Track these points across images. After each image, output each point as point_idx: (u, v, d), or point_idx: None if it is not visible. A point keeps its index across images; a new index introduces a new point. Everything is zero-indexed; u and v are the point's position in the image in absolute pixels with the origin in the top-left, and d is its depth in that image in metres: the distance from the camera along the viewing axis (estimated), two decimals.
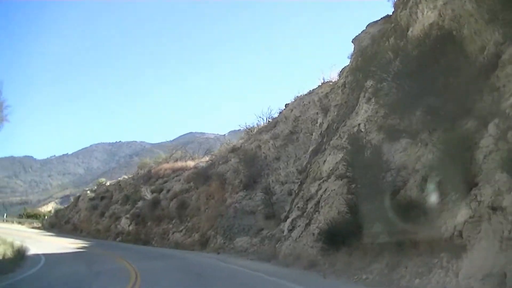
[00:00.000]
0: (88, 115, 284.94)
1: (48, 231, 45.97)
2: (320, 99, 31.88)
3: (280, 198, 29.06)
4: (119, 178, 51.15)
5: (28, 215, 58.28)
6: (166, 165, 45.23)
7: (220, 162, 38.88)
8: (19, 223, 53.68)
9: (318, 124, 29.11)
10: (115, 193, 47.72)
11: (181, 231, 34.04)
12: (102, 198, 48.67)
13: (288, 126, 33.80)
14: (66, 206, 54.81)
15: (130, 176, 49.15)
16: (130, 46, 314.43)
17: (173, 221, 35.71)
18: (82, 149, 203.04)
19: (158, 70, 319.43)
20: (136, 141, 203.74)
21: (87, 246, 29.56)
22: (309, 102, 33.89)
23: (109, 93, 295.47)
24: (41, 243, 29.06)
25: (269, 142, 33.91)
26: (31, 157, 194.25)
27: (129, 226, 39.53)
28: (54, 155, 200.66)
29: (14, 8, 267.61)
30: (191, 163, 43.01)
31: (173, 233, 34.67)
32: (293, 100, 36.13)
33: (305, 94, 35.30)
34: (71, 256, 22.54)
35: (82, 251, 26.30)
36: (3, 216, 57.48)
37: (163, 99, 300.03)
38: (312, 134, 30.20)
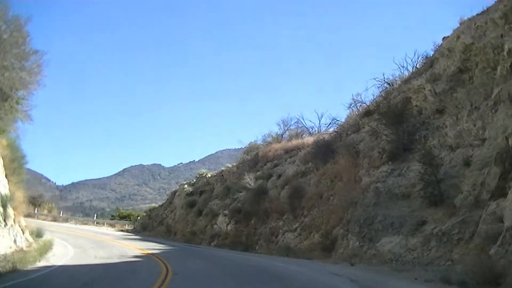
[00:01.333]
0: (214, 122, 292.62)
1: (137, 234, 40.37)
2: (505, 14, 20.33)
3: (449, 172, 18.57)
4: (222, 168, 43.73)
5: (121, 216, 54.22)
6: (276, 145, 36.59)
7: (349, 132, 29.00)
8: (110, 225, 49.56)
9: (505, 52, 17.99)
10: (216, 186, 40.34)
11: (294, 230, 24.93)
12: (201, 192, 41.65)
13: (454, 62, 22.57)
14: (161, 204, 49.18)
15: (234, 164, 41.39)
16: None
17: (284, 216, 26.74)
18: (209, 155, 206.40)
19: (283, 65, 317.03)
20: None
21: (159, 253, 21.93)
22: (486, 23, 22.31)
23: (232, 100, 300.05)
24: (103, 249, 22.27)
25: (424, 89, 23.14)
26: (160, 165, 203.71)
27: (227, 225, 31.51)
28: (182, 162, 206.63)
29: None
30: (309, 140, 33.75)
31: (283, 233, 25.71)
32: (459, 26, 24.80)
33: (478, 14, 23.80)
34: (95, 271, 14.53)
35: (136, 261, 18.53)
36: (94, 218, 54.02)
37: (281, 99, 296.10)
38: (496, 69, 19.04)
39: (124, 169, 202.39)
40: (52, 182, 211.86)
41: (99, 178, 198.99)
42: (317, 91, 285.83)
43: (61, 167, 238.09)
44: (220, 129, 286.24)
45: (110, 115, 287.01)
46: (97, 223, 50.67)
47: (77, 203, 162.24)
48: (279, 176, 31.35)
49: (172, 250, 25.50)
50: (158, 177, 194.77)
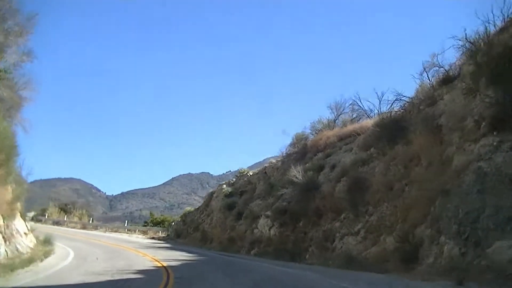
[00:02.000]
0: (263, 131, 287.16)
1: (168, 242, 35.25)
2: None
3: None
4: (265, 165, 37.88)
5: (155, 222, 49.26)
6: (328, 133, 30.37)
7: (421, 107, 22.52)
8: (142, 232, 44.79)
9: None
10: (258, 185, 34.53)
11: (357, 232, 18.73)
12: (242, 193, 35.96)
13: None
14: (197, 207, 43.77)
15: (278, 159, 35.44)
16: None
17: (342, 215, 20.59)
18: (257, 163, 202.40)
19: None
20: None
21: (177, 266, 16.44)
22: None
23: (281, 96, 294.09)
24: (109, 261, 17.47)
25: None
26: (208, 173, 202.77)
27: (269, 229, 25.67)
28: (230, 170, 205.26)
29: None
30: (367, 123, 27.41)
31: (342, 237, 19.54)
32: None
33: None
34: None
35: (135, 279, 13.01)
36: (126, 224, 49.39)
37: None
38: None
39: (173, 178, 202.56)
40: (102, 192, 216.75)
41: (148, 188, 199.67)
42: (375, 65, 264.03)
43: (111, 178, 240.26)
44: (267, 136, 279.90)
45: (157, 125, 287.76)
46: (128, 230, 46.01)
47: (127, 212, 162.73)
48: (333, 167, 25.14)
49: (198, 261, 19.96)
50: (207, 185, 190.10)
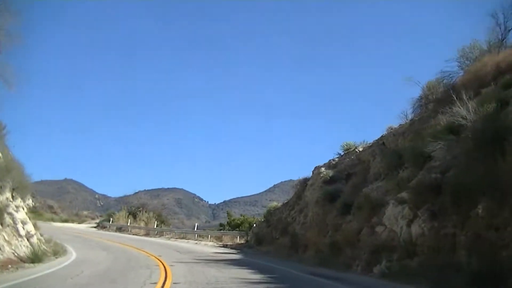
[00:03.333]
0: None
1: (243, 251, 24.46)
2: None
3: None
4: (383, 133, 25.39)
5: (233, 225, 38.30)
6: (494, 58, 17.52)
7: None
8: (217, 238, 34.38)
9: None
10: (374, 162, 22.45)
11: None
12: (349, 176, 24.12)
13: None
14: (285, 201, 31.91)
15: (408, 120, 22.91)
16: None
17: None
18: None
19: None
20: None
21: None
22: None
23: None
24: None
25: None
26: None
27: (408, 224, 13.49)
28: None
29: None
30: None
31: None
32: None
33: None
34: None
35: None
36: (195, 229, 38.92)
37: None
38: None
39: (275, 185, 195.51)
40: (205, 201, 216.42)
41: (250, 195, 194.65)
42: None
43: (214, 187, 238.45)
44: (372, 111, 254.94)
45: (257, 132, 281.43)
46: (199, 236, 35.77)
47: (222, 223, 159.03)
48: None
49: None
50: None
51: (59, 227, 41.57)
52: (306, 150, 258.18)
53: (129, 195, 54.52)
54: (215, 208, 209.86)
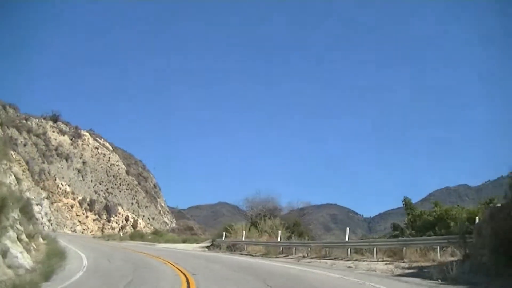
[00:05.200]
0: None
1: None
2: None
3: None
4: None
5: (422, 225, 20.29)
6: None
7: None
8: (391, 256, 18.10)
9: None
10: None
11: None
12: None
13: None
14: None
15: None
16: None
17: None
18: None
19: None
20: None
21: None
22: None
23: None
24: None
25: None
26: (466, 185, 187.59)
27: None
28: (489, 180, 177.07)
29: None
30: None
31: None
32: None
33: None
34: None
35: None
36: (346, 237, 21.92)
37: None
38: None
39: (430, 193, 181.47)
40: (360, 215, 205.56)
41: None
42: None
43: (368, 201, 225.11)
44: None
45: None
46: (355, 251, 20.19)
47: (386, 233, 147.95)
48: None
49: None
50: (467, 198, 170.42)
51: (155, 248, 30.40)
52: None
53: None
54: (370, 221, 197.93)
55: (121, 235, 61.08)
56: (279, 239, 25.88)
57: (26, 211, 16.72)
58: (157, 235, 53.86)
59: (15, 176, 18.16)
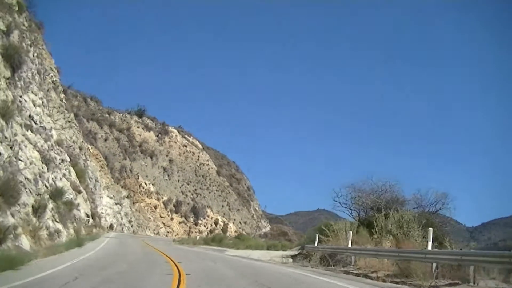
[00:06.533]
0: None
1: None
2: None
3: None
4: None
5: None
6: None
7: None
8: None
9: None
10: None
11: None
12: None
13: None
14: None
15: None
16: None
17: None
18: None
19: None
20: None
21: None
22: None
23: None
24: None
25: None
26: None
27: None
28: None
29: None
30: None
31: None
32: None
33: None
34: None
35: None
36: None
37: None
38: None
39: None
40: (462, 224, 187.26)
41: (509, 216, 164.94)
42: None
43: (472, 209, 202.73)
44: None
45: None
46: None
47: (490, 243, 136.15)
48: None
49: None
50: None
51: (214, 257, 20.54)
52: None
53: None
54: (473, 231, 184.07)
55: (197, 238, 52.52)
56: (429, 247, 12.95)
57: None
58: (240, 240, 44.83)
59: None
